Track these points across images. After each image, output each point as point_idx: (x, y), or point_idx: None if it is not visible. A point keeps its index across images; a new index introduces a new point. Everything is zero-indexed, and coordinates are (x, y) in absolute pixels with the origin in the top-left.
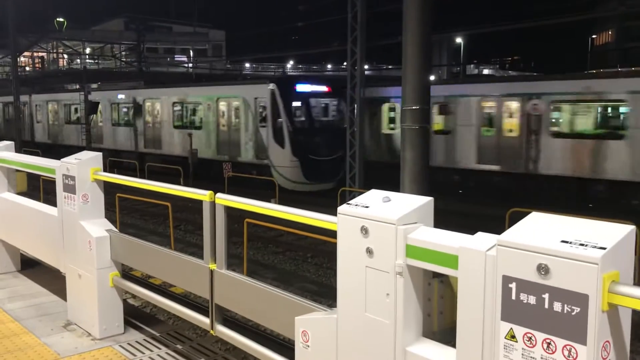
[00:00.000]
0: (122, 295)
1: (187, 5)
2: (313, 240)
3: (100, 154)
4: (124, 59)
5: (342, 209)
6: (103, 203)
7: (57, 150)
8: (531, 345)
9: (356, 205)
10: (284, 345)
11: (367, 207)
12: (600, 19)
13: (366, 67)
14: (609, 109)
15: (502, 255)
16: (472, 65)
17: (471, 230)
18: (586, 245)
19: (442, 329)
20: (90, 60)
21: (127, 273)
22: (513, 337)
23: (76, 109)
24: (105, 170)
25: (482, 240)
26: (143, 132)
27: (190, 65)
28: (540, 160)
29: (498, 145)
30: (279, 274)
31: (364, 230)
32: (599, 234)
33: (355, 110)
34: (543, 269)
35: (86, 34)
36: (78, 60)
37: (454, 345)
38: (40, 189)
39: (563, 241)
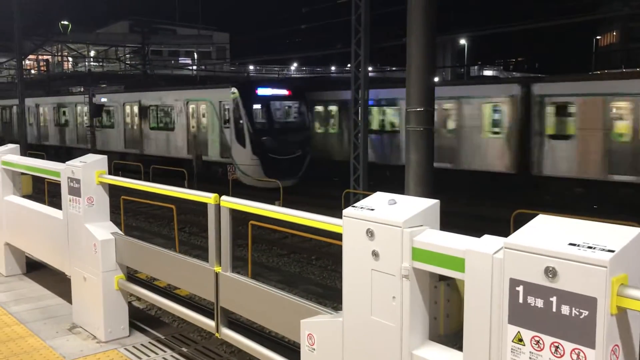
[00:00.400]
0: (127, 298)
1: (192, 8)
2: (318, 242)
3: (105, 157)
4: (129, 62)
5: (347, 211)
6: (108, 206)
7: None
8: (539, 349)
9: (361, 207)
10: (290, 348)
11: (372, 209)
12: (605, 20)
13: (370, 68)
14: None
15: (509, 258)
16: (475, 67)
17: None
18: (594, 248)
19: (449, 333)
20: (94, 63)
21: (132, 276)
22: (520, 340)
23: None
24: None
25: (489, 242)
26: (124, 133)
27: (195, 67)
28: None
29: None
30: (284, 276)
31: (370, 233)
32: (607, 237)
33: (360, 113)
34: (551, 272)
35: (91, 37)
36: (85, 63)
37: (460, 349)
38: (45, 191)
39: (571, 244)
